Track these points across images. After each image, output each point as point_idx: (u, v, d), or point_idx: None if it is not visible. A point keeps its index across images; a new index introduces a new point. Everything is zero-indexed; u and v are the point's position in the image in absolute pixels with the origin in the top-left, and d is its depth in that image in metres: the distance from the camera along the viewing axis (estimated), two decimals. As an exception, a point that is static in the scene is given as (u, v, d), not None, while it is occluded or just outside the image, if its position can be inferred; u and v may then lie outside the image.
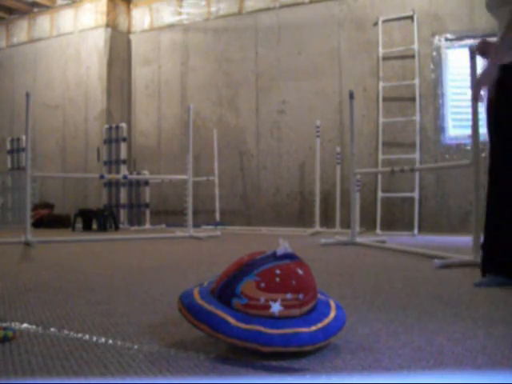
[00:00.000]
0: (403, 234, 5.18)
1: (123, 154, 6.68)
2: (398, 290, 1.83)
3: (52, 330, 1.19)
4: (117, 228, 6.10)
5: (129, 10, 7.52)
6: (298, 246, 3.53)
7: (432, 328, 1.21)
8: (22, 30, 8.03)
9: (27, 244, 3.74)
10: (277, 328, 0.95)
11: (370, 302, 1.57)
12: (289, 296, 0.99)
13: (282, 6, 6.42)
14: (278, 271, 1.02)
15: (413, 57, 5.62)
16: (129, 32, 7.50)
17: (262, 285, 0.99)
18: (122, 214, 6.69)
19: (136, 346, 1.05)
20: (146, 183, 6.65)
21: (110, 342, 1.08)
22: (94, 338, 1.11)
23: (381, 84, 5.73)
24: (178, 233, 5.07)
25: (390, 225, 5.58)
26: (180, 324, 1.19)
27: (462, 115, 5.47)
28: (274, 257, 1.06)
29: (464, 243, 3.48)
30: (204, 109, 6.77)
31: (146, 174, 6.56)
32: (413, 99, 5.59)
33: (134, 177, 6.42)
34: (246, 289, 1.00)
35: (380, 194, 5.62)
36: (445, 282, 2.03)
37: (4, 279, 2.11)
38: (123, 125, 6.75)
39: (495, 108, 1.96)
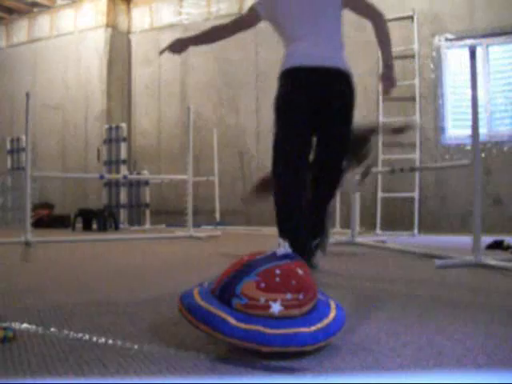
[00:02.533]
0: (403, 234, 5.18)
1: (123, 154, 6.68)
2: (397, 290, 1.83)
3: (52, 330, 1.19)
4: (117, 228, 6.10)
5: (129, 10, 7.52)
6: (298, 246, 3.52)
7: (432, 328, 1.21)
8: (21, 30, 8.03)
9: (27, 244, 3.74)
10: (277, 328, 0.95)
11: (370, 302, 1.57)
12: (289, 296, 0.99)
13: (282, 6, 6.41)
14: (278, 271, 1.02)
15: (413, 57, 5.62)
16: (129, 32, 7.50)
17: (262, 285, 0.99)
18: (122, 214, 6.69)
19: (136, 346, 1.05)
20: (146, 183, 6.65)
21: (110, 341, 1.08)
22: (94, 338, 1.11)
23: (381, 84, 5.73)
24: (178, 233, 5.07)
25: (390, 225, 5.58)
26: (180, 324, 1.19)
27: (461, 115, 5.47)
28: (274, 257, 1.06)
29: (464, 243, 3.47)
30: (204, 109, 6.77)
31: (145, 174, 6.56)
32: (413, 99, 5.59)
33: (134, 177, 6.42)
34: (246, 289, 1.00)
35: (380, 194, 5.63)
36: (445, 282, 2.03)
37: (4, 279, 2.11)
38: (123, 125, 6.75)
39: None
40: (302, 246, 2.06)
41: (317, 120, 2.29)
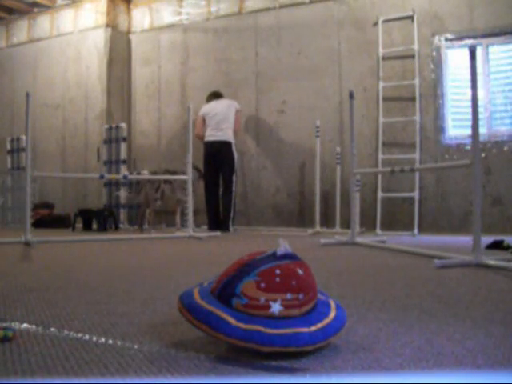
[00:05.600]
0: (403, 234, 5.18)
1: (123, 154, 6.68)
2: (398, 289, 1.83)
3: (52, 329, 1.19)
4: (117, 228, 6.10)
5: (129, 10, 7.52)
6: (298, 246, 3.53)
7: (432, 328, 1.21)
8: (21, 30, 8.03)
9: (27, 244, 3.74)
10: (277, 328, 0.95)
11: (370, 301, 1.57)
12: (289, 296, 0.99)
13: (282, 6, 6.42)
14: (278, 271, 1.02)
15: (413, 57, 5.62)
16: (129, 32, 7.50)
17: (262, 285, 0.99)
18: (122, 214, 6.69)
19: (136, 346, 1.05)
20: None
21: (110, 341, 1.08)
22: (94, 338, 1.11)
23: (381, 84, 5.74)
24: (178, 233, 5.07)
25: (390, 225, 5.58)
26: (180, 324, 1.19)
27: (462, 115, 5.48)
28: (274, 257, 1.06)
29: (464, 243, 3.48)
30: (204, 109, 6.76)
31: (146, 174, 6.55)
32: (413, 99, 5.60)
33: (134, 177, 6.41)
34: (246, 289, 1.00)
35: (380, 194, 5.63)
36: (445, 282, 2.03)
37: (4, 279, 2.11)
38: (123, 125, 6.75)
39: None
40: (217, 224, 5.64)
41: (219, 164, 5.71)
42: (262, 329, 0.94)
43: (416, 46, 5.59)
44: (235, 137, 5.82)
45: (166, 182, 5.77)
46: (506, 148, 5.24)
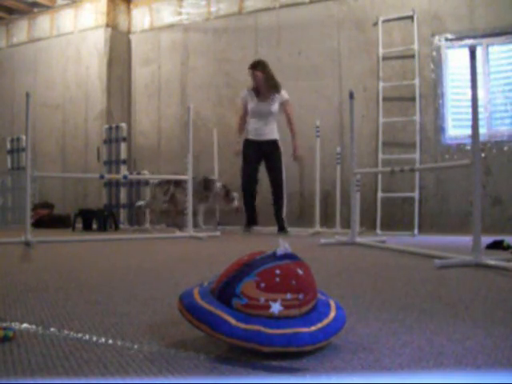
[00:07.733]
0: (403, 234, 5.18)
1: (123, 154, 6.67)
2: (398, 289, 1.83)
3: (52, 329, 1.19)
4: (117, 228, 6.10)
5: (129, 10, 7.52)
6: (298, 246, 3.53)
7: (432, 328, 1.21)
8: (21, 30, 8.04)
9: (27, 244, 3.74)
10: (277, 328, 0.95)
11: (370, 301, 1.57)
12: (289, 296, 0.99)
13: (282, 6, 6.42)
14: (277, 271, 1.02)
15: (413, 57, 5.62)
16: (129, 32, 7.50)
17: (262, 285, 0.99)
18: (122, 214, 6.68)
19: (136, 346, 1.05)
20: (146, 183, 6.64)
21: (110, 341, 1.08)
22: (94, 338, 1.11)
23: (381, 84, 5.74)
24: (178, 233, 5.07)
25: (389, 225, 5.58)
26: (180, 324, 1.19)
27: (462, 115, 5.48)
28: (274, 257, 1.06)
29: (464, 243, 3.47)
30: (204, 109, 6.77)
31: (145, 174, 6.55)
32: (413, 99, 5.60)
33: (134, 177, 6.41)
34: (246, 289, 1.00)
35: (380, 194, 5.63)
36: (445, 282, 2.03)
37: (4, 279, 2.11)
38: (123, 125, 6.75)
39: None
40: (254, 219, 5.45)
41: (263, 161, 5.37)
42: (262, 329, 0.94)
43: (416, 46, 5.59)
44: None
45: (177, 185, 5.68)
46: (506, 148, 5.24)
